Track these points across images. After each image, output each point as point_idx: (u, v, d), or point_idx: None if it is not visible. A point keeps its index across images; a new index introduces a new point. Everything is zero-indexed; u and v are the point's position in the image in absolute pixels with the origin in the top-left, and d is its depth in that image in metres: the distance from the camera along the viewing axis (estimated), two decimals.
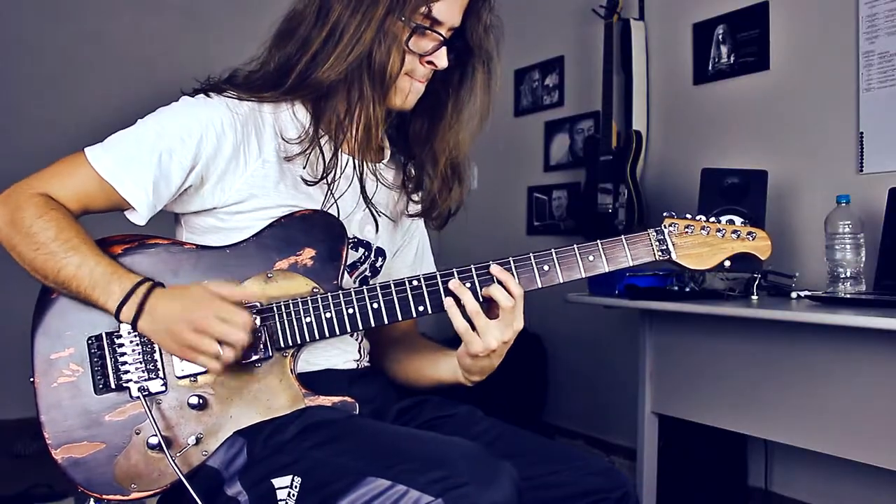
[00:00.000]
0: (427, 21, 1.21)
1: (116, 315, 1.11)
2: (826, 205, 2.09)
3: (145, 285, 1.12)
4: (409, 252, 1.45)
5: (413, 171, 1.36)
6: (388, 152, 1.38)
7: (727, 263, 1.25)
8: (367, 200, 1.27)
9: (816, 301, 1.88)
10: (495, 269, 1.17)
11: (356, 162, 1.26)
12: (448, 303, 1.16)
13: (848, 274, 1.98)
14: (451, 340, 1.25)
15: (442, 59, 1.23)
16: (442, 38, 1.22)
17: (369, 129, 1.21)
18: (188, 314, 1.09)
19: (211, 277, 1.17)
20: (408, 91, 1.25)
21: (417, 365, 1.37)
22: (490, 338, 1.16)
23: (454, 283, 1.17)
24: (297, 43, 1.21)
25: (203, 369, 1.14)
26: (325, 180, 1.22)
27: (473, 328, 1.16)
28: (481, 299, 1.17)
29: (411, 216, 1.40)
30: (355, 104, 1.20)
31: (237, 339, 1.10)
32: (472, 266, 1.19)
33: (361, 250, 1.32)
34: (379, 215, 1.30)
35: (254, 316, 1.13)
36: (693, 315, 2.13)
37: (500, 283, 1.17)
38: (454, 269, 1.18)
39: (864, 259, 1.99)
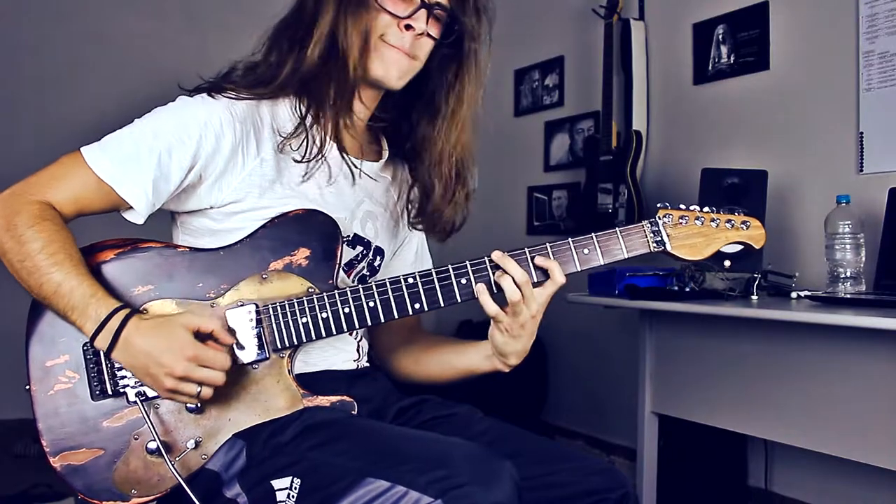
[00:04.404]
0: None
1: (91, 343, 1.10)
2: (826, 205, 2.08)
3: (119, 315, 1.09)
4: (408, 252, 1.45)
5: (418, 175, 1.34)
6: (385, 153, 1.37)
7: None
8: (342, 151, 1.24)
9: (816, 301, 1.87)
10: (497, 255, 1.18)
11: (337, 141, 1.23)
12: (479, 288, 1.17)
13: (848, 274, 1.98)
14: None
15: (420, 22, 1.21)
16: (421, 2, 1.20)
17: (341, 101, 1.20)
18: (168, 359, 1.08)
19: (206, 280, 1.17)
20: (385, 59, 1.22)
21: (443, 358, 1.36)
22: (535, 304, 1.18)
23: (497, 254, 1.17)
24: (291, 38, 1.22)
25: None
26: (311, 162, 1.21)
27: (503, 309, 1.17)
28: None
29: (413, 227, 1.39)
30: (336, 83, 1.19)
31: (217, 380, 1.11)
32: (468, 262, 1.18)
33: (359, 248, 1.31)
34: (358, 173, 1.28)
35: (232, 361, 1.13)
36: (693, 315, 2.13)
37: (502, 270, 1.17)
38: (450, 266, 1.18)
39: (864, 259, 1.99)
